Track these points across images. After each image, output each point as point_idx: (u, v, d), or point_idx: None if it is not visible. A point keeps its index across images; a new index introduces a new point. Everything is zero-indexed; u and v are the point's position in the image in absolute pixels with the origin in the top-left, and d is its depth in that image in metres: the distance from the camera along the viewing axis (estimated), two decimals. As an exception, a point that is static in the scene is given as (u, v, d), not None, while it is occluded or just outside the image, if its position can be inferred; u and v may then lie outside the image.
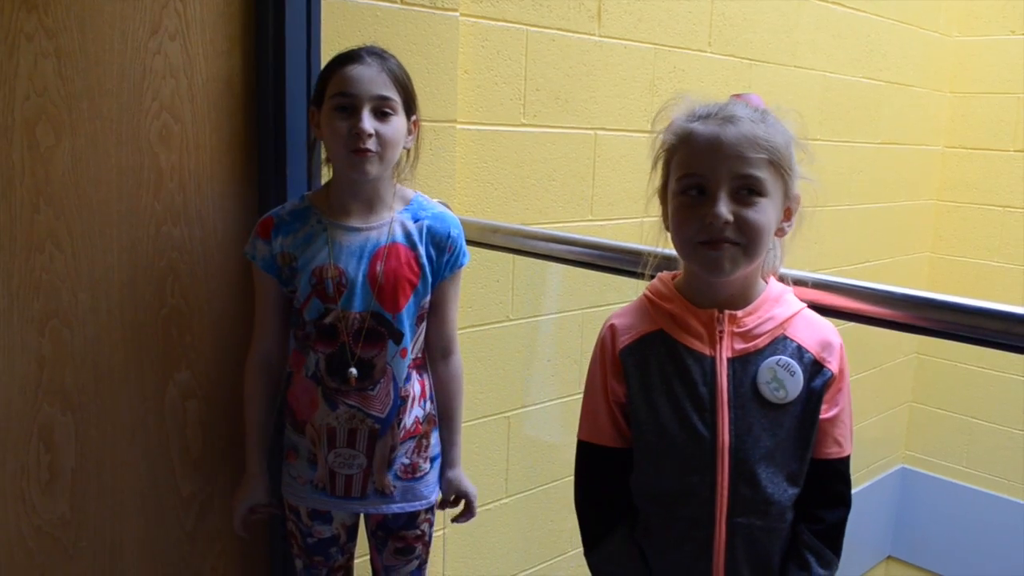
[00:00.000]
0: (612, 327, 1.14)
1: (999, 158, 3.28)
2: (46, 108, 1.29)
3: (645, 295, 1.15)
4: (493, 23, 1.84)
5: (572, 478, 1.19)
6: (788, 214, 1.07)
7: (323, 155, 1.44)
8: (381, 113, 1.28)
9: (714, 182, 1.01)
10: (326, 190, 1.39)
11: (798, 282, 1.15)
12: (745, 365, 1.06)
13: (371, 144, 1.27)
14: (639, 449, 1.12)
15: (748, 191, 1.01)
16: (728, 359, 1.06)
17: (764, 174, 1.01)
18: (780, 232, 1.08)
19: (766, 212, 1.02)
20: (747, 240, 1.01)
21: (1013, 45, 3.19)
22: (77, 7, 1.30)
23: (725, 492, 1.05)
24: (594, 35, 2.04)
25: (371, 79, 1.27)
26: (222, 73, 1.46)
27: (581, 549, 1.19)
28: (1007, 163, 3.26)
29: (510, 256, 1.86)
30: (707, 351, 1.07)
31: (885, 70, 3.01)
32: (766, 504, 1.05)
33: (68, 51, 1.30)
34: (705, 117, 1.04)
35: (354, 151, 1.27)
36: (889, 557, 3.70)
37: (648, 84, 2.19)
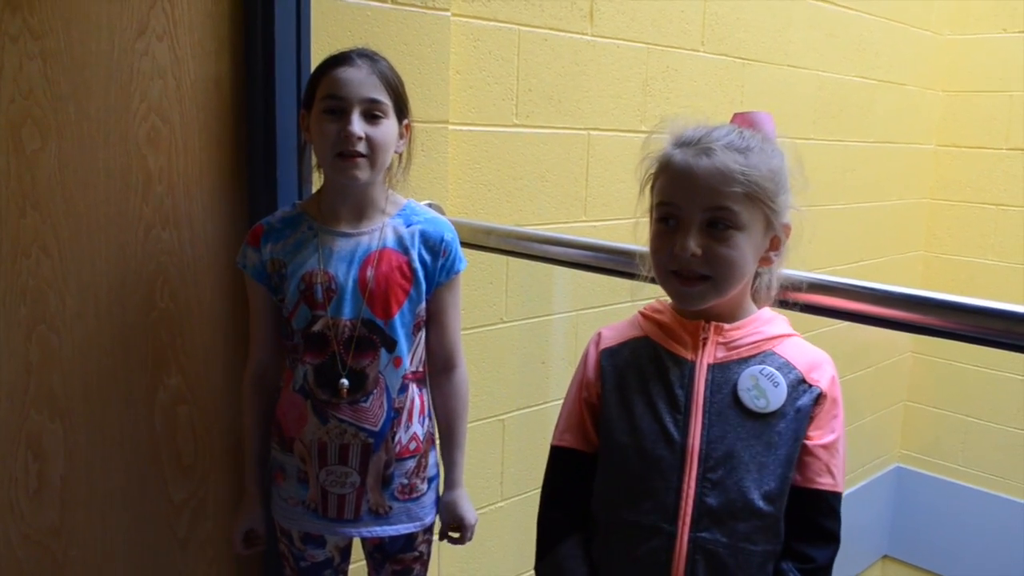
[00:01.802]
0: (599, 334, 1.16)
1: (992, 156, 3.29)
2: (32, 111, 1.27)
3: (638, 310, 1.15)
4: (485, 23, 1.83)
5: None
6: (775, 243, 1.06)
7: (314, 160, 1.42)
8: (371, 116, 1.26)
9: (686, 214, 1.01)
10: (317, 196, 1.37)
11: (793, 286, 1.13)
12: (726, 372, 1.05)
13: (361, 147, 1.25)
14: (605, 449, 1.10)
15: (721, 224, 1.00)
16: (709, 364, 1.05)
17: (738, 207, 0.99)
18: (766, 261, 1.06)
19: (739, 246, 1.00)
20: (715, 273, 1.01)
21: (1005, 43, 3.19)
22: (63, 8, 1.28)
23: (690, 499, 1.01)
24: (587, 35, 2.03)
25: (361, 82, 1.25)
26: (211, 74, 1.45)
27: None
28: (1000, 161, 3.27)
29: (504, 258, 1.85)
30: (689, 356, 1.06)
31: (878, 69, 3.01)
32: (732, 519, 1.00)
33: (54, 52, 1.28)
34: (685, 145, 1.03)
35: (343, 155, 1.25)
36: (885, 556, 3.70)
37: (641, 84, 2.18)
